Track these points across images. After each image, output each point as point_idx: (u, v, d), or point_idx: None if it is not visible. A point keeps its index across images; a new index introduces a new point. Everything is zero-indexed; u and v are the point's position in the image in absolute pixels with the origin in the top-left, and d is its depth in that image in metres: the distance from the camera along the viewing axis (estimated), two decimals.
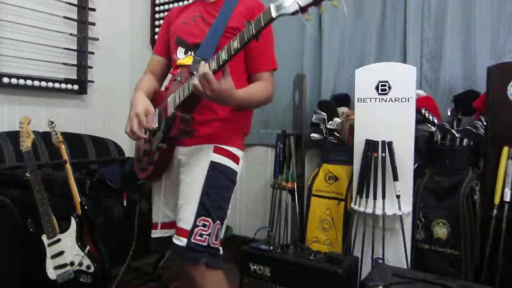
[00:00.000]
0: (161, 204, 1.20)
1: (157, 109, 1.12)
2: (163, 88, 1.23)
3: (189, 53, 1.14)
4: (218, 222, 1.08)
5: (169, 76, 1.27)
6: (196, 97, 0.99)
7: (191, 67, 1.05)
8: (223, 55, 0.92)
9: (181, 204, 1.10)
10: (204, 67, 0.92)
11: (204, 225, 1.06)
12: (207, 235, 1.06)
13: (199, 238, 1.05)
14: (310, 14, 0.81)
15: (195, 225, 1.05)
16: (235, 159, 1.15)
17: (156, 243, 1.22)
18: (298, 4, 0.80)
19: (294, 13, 0.81)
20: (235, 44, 0.89)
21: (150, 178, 1.20)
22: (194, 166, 1.10)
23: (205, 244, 1.06)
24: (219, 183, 1.10)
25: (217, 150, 1.12)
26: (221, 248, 1.11)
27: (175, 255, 1.09)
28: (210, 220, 1.07)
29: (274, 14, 0.83)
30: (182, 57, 1.16)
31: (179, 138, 1.10)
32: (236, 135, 1.17)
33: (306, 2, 0.80)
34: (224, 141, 1.13)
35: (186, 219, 1.06)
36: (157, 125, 1.09)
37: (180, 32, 1.17)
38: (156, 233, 1.21)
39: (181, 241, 1.05)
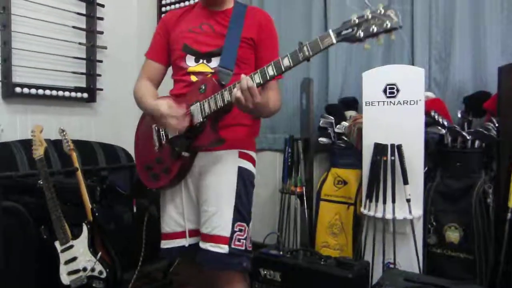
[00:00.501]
0: (178, 213, 1.18)
1: None
2: (166, 93, 1.22)
3: (201, 61, 1.15)
4: (249, 225, 1.13)
5: (167, 80, 1.27)
6: (228, 108, 1.00)
7: (219, 78, 1.06)
8: (270, 71, 0.94)
9: (211, 211, 1.09)
10: (249, 81, 0.93)
11: (240, 230, 1.09)
12: (243, 239, 1.10)
13: (238, 243, 1.08)
14: (368, 43, 0.87)
15: (233, 231, 1.08)
16: (253, 162, 1.19)
17: (165, 253, 1.20)
18: (359, 35, 0.85)
19: (354, 41, 0.86)
20: (286, 62, 0.92)
21: (164, 187, 1.18)
22: (223, 173, 1.12)
23: (243, 248, 1.09)
24: (247, 188, 1.13)
25: (242, 156, 1.15)
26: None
27: (210, 262, 1.08)
28: (245, 224, 1.10)
29: (334, 40, 0.88)
30: (193, 64, 1.16)
31: (206, 147, 1.10)
32: (252, 139, 1.20)
33: (367, 34, 0.84)
34: (245, 146, 1.16)
35: (224, 226, 1.08)
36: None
37: (187, 40, 1.16)
38: (169, 243, 1.19)
39: (221, 248, 1.06)
